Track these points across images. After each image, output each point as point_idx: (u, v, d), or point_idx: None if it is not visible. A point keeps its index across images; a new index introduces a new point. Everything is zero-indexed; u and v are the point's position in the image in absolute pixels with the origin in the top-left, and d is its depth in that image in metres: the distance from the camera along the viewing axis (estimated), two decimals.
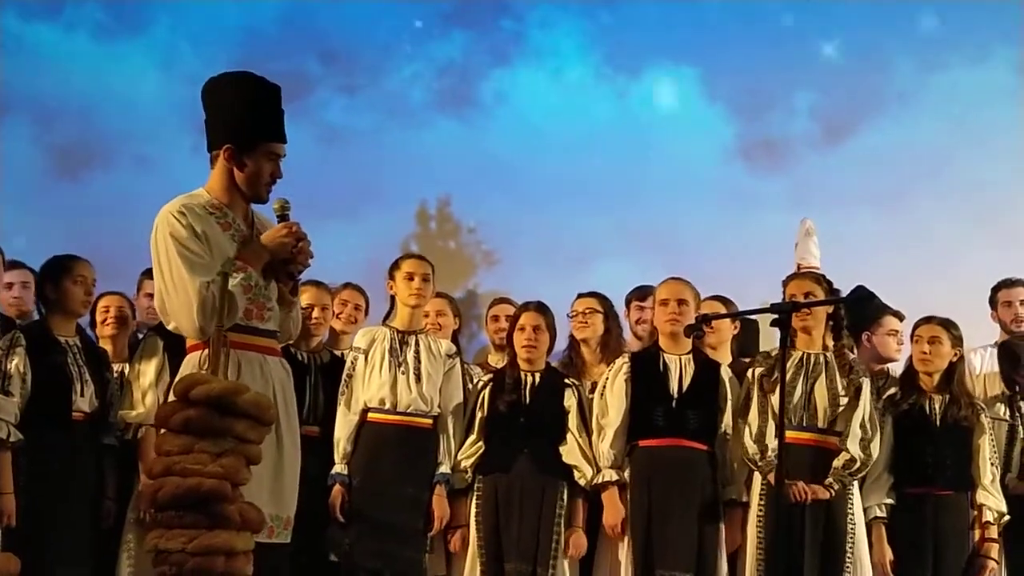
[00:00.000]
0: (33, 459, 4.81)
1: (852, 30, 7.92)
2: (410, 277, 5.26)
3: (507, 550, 5.00)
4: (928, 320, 5.25)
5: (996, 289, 6.09)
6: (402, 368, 5.16)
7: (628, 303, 5.92)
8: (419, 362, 5.19)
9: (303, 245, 3.90)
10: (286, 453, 3.92)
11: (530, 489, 5.05)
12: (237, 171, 3.92)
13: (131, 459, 5.07)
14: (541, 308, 5.26)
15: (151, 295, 5.39)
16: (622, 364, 5.18)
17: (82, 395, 4.93)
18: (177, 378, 3.85)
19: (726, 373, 5.18)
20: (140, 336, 5.58)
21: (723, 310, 5.55)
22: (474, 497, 5.10)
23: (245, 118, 3.89)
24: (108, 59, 8.03)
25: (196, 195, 3.94)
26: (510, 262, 8.05)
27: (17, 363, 4.81)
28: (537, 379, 5.19)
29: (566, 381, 5.25)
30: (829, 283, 5.10)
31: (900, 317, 5.72)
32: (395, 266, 5.35)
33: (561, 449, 5.12)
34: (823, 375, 4.96)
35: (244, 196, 3.97)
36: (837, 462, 4.88)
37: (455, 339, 5.67)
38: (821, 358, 5.01)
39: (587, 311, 5.51)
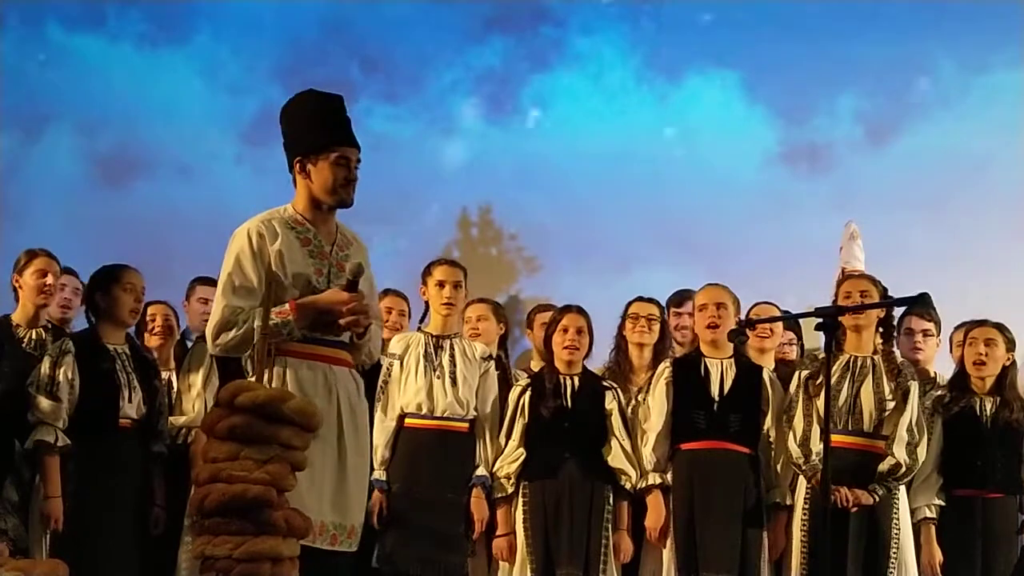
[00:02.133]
0: (81, 465, 4.88)
1: (894, 33, 7.85)
2: (441, 284, 5.29)
3: (557, 555, 5.00)
4: (983, 323, 5.22)
5: None
6: (437, 373, 5.17)
7: (666, 308, 5.89)
8: (454, 366, 5.20)
9: (360, 319, 3.94)
10: (350, 462, 3.96)
11: (578, 494, 5.04)
12: (310, 182, 4.03)
13: (182, 465, 5.10)
14: (581, 311, 5.26)
15: (204, 300, 5.49)
16: (664, 369, 5.19)
17: (130, 402, 4.98)
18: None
19: (768, 376, 5.16)
20: (189, 343, 5.63)
21: (776, 314, 5.53)
22: (520, 504, 5.08)
23: (307, 129, 4.01)
24: (151, 68, 8.08)
25: (280, 210, 4.08)
26: (552, 268, 8.03)
27: (65, 370, 4.88)
28: (577, 383, 5.18)
29: (604, 384, 5.23)
30: (885, 287, 5.06)
31: (927, 318, 5.64)
32: (427, 272, 5.38)
33: (605, 453, 5.10)
34: (869, 378, 4.93)
35: (326, 206, 4.06)
36: (882, 467, 4.85)
37: (502, 345, 5.66)
38: (868, 361, 4.98)
39: (649, 316, 5.48)
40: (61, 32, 8.25)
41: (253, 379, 3.73)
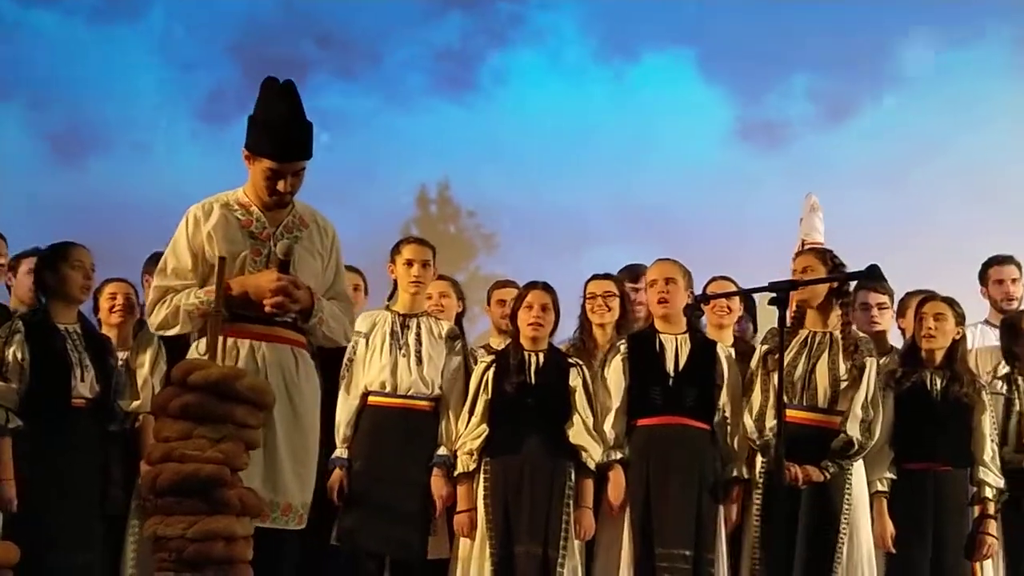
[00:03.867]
0: (34, 445, 4.82)
1: (850, 10, 7.89)
2: (409, 263, 5.26)
3: (517, 532, 4.97)
4: (932, 297, 5.25)
5: (987, 266, 6.05)
6: (403, 351, 5.15)
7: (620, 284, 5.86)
8: (420, 345, 5.19)
9: (281, 301, 3.94)
10: (282, 439, 3.96)
11: (540, 470, 5.02)
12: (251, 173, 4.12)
13: (135, 446, 5.08)
14: (547, 287, 5.22)
15: None
16: (620, 345, 5.18)
17: (83, 381, 4.93)
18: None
19: (723, 351, 5.18)
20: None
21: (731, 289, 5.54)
22: (481, 480, 5.08)
23: (253, 124, 4.07)
24: (104, 44, 8.02)
25: (231, 192, 4.16)
26: (510, 245, 8.05)
27: (15, 350, 4.82)
28: (541, 359, 5.16)
29: (570, 360, 5.23)
30: (834, 259, 5.05)
31: (881, 290, 5.68)
32: (396, 250, 5.35)
33: (568, 429, 5.10)
34: (826, 354, 4.93)
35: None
36: (835, 444, 4.84)
37: (459, 322, 5.65)
38: (827, 337, 4.98)
39: (606, 294, 5.47)
40: (14, 7, 8.16)
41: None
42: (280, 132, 4.00)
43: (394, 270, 5.35)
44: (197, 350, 4.04)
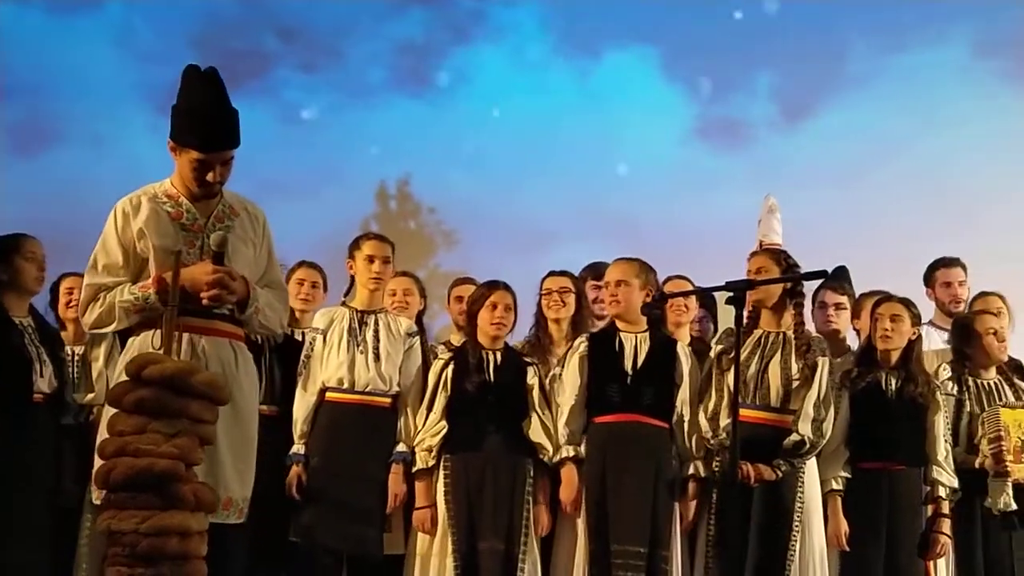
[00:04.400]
0: None
1: (811, 12, 7.94)
2: (370, 260, 5.26)
3: (480, 529, 4.98)
4: (889, 298, 5.29)
5: (933, 268, 6.07)
6: (361, 347, 5.15)
7: (583, 281, 5.87)
8: (378, 341, 5.18)
9: (218, 293, 3.92)
10: (220, 432, 3.91)
11: (501, 467, 5.03)
12: (177, 164, 4.05)
13: (89, 440, 5.04)
14: (508, 287, 5.25)
15: None
16: (580, 344, 5.19)
17: (41, 376, 4.90)
18: (126, 357, 3.87)
19: (682, 350, 5.19)
20: None
21: (688, 288, 5.56)
22: (442, 477, 5.08)
23: (176, 114, 3.99)
24: (62, 35, 7.94)
25: (158, 184, 4.09)
26: (470, 242, 8.04)
27: None
28: (499, 358, 5.18)
29: (526, 360, 5.24)
30: (788, 260, 5.07)
31: (840, 291, 5.71)
32: (355, 246, 5.33)
33: (525, 427, 5.11)
34: (778, 354, 4.96)
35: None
36: (787, 443, 4.85)
37: (419, 319, 5.64)
38: (780, 337, 5.01)
39: (562, 290, 5.49)
40: None
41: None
42: (205, 121, 3.94)
43: (353, 266, 5.34)
44: (153, 344, 3.98)
